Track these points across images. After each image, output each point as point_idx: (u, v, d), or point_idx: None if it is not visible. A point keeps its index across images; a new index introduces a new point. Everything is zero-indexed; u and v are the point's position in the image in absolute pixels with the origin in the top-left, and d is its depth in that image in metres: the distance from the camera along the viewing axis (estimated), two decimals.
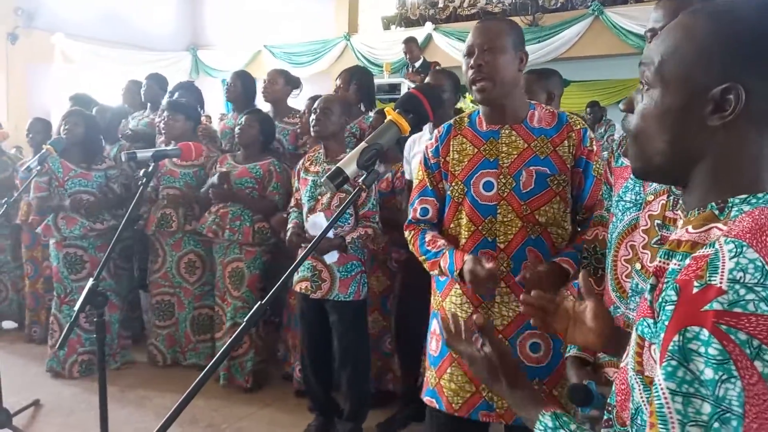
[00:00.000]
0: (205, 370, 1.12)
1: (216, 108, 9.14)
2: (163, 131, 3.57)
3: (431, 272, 1.75)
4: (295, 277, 2.76)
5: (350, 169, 1.26)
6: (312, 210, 2.69)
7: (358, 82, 3.45)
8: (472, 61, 1.62)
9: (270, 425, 2.95)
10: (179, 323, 3.60)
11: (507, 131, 1.68)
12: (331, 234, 2.53)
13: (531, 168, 1.64)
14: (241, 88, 3.86)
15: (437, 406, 1.74)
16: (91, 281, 1.92)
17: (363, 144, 1.29)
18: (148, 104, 4.57)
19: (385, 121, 1.36)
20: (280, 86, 3.73)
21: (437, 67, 5.69)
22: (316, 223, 2.56)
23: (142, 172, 2.10)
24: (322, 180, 2.25)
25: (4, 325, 4.41)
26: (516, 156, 1.65)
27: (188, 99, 3.98)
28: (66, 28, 10.13)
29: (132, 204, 2.07)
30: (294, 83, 3.83)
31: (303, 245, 2.65)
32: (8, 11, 9.52)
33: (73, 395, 3.29)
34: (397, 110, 1.33)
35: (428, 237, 1.74)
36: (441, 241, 1.71)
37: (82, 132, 3.44)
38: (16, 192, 3.92)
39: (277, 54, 11.13)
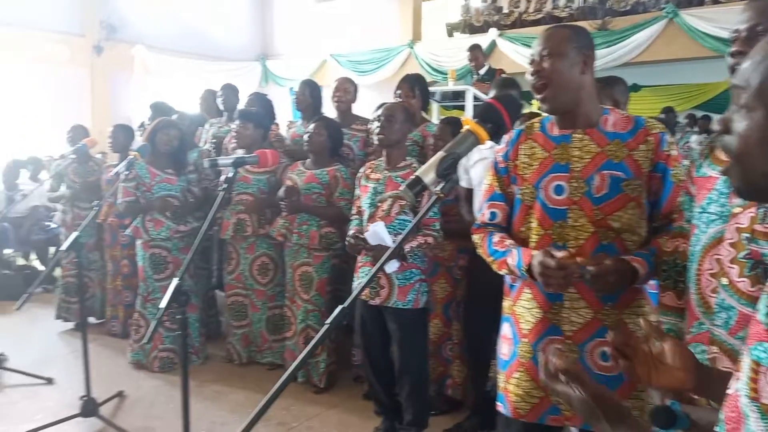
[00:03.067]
0: (287, 372, 1.18)
1: (284, 116, 9.44)
2: (234, 139, 3.73)
3: (499, 272, 1.75)
4: (355, 283, 2.81)
5: (429, 178, 1.30)
6: (372, 217, 2.74)
7: (421, 89, 3.49)
8: (532, 69, 1.64)
9: (339, 426, 3.02)
10: (253, 324, 3.74)
11: (579, 135, 1.65)
12: (390, 242, 2.57)
13: (604, 172, 1.61)
14: (309, 97, 3.98)
15: (503, 411, 1.75)
16: (175, 280, 2.04)
17: (441, 153, 1.32)
18: (225, 113, 4.79)
19: (463, 130, 1.38)
20: (351, 94, 3.84)
21: (502, 75, 5.67)
22: (376, 232, 2.56)
23: (223, 179, 2.23)
24: (400, 189, 2.27)
25: (89, 320, 4.68)
26: (589, 160, 1.62)
27: (258, 108, 4.14)
28: (145, 40, 10.75)
29: (214, 208, 2.19)
30: (356, 91, 3.94)
31: (365, 252, 2.70)
32: (94, 24, 10.19)
33: (155, 388, 3.48)
34: (476, 120, 1.36)
35: (496, 238, 1.74)
36: (508, 241, 1.71)
37: (177, 144, 3.68)
38: (104, 194, 4.23)
39: (343, 62, 11.35)
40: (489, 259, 1.76)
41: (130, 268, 4.27)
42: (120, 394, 3.34)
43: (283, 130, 4.63)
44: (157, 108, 4.48)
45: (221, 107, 4.79)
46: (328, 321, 1.20)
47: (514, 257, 1.64)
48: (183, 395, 2.09)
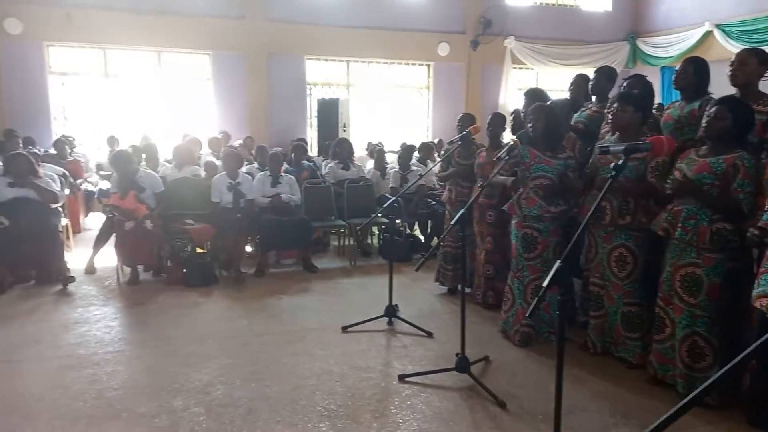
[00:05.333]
0: (697, 390, 1.11)
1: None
2: (610, 121, 3.61)
3: None
4: (755, 290, 2.40)
5: None
6: None
7: None
8: None
9: None
10: (609, 315, 3.64)
11: None
12: None
13: None
14: (693, 75, 3.56)
15: None
16: (558, 263, 2.12)
17: None
18: (593, 96, 4.69)
19: None
20: (752, 67, 3.29)
21: None
22: None
23: (612, 165, 2.19)
24: None
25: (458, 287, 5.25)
26: None
27: (639, 91, 3.90)
28: (516, 32, 11.32)
29: (601, 194, 2.18)
30: (765, 63, 3.31)
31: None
32: (474, 21, 11.21)
33: (516, 359, 3.73)
34: None
35: None
36: None
37: (543, 125, 3.79)
38: (476, 176, 4.67)
39: (732, 33, 9.75)
40: None
41: (492, 244, 4.62)
42: (486, 359, 3.68)
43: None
44: (532, 94, 4.67)
45: (590, 91, 4.70)
46: None
47: None
48: (557, 375, 2.17)
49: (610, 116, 3.60)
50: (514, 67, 11.58)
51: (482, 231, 4.72)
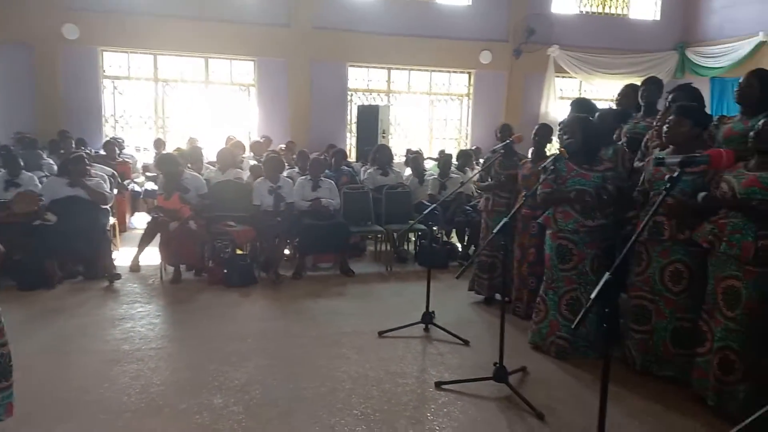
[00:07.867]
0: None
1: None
2: (665, 135, 3.51)
3: None
4: None
5: None
6: None
7: None
8: None
9: None
10: (655, 332, 3.53)
11: None
12: None
13: None
14: (758, 89, 3.44)
15: None
16: (607, 275, 2.07)
17: None
18: (643, 108, 4.59)
19: None
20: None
21: None
22: None
23: (667, 178, 2.14)
24: None
25: (497, 296, 5.19)
26: None
27: (695, 104, 3.80)
28: (559, 40, 11.18)
29: (653, 209, 2.12)
30: None
31: None
32: (517, 30, 11.11)
33: (553, 371, 3.66)
34: None
35: None
36: None
37: (580, 137, 3.73)
38: (518, 186, 4.62)
39: None
40: None
41: (535, 255, 4.56)
42: (524, 369, 3.62)
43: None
44: (578, 105, 4.60)
45: (641, 102, 4.61)
46: None
47: None
48: (602, 391, 2.11)
49: (664, 129, 3.49)
50: (558, 76, 11.43)
51: (524, 242, 4.65)
